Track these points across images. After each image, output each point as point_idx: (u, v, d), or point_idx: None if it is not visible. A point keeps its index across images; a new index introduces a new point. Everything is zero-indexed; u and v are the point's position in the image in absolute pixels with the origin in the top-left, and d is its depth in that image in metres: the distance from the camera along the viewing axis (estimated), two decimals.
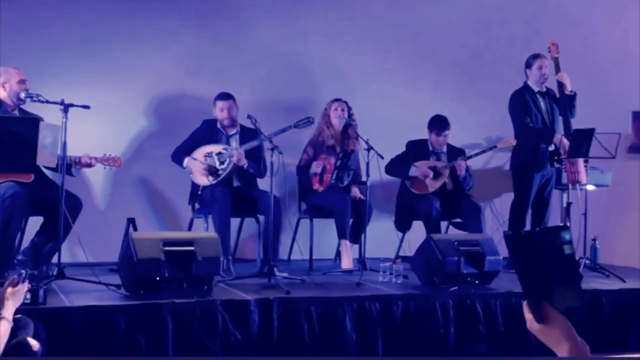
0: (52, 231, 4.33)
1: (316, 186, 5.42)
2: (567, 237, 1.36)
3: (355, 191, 5.44)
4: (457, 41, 6.44)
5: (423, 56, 6.36)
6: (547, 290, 1.36)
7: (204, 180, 5.16)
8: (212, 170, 5.13)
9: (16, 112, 4.57)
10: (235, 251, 5.56)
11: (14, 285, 2.89)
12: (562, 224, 4.90)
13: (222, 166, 5.15)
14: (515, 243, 1.37)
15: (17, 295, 2.89)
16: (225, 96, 5.30)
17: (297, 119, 5.09)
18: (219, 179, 5.15)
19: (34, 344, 2.93)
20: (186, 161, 5.19)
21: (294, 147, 5.52)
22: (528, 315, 1.39)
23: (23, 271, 2.98)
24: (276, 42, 5.96)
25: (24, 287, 2.92)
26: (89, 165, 4.59)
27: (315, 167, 5.43)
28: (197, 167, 5.16)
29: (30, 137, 3.81)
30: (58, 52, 5.37)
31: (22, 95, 4.35)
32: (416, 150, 5.71)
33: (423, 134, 5.73)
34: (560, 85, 5.61)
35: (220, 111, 5.30)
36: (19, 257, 4.44)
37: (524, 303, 1.39)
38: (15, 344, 2.82)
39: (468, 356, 4.19)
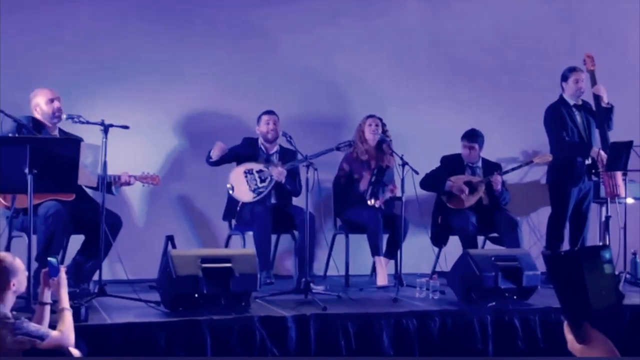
0: (93, 249, 4.42)
1: (371, 202, 5.38)
2: (607, 256, 1.36)
3: (391, 189, 5.39)
4: (490, 55, 6.42)
5: (456, 71, 6.35)
6: (588, 310, 1.35)
7: (246, 196, 5.21)
8: (254, 188, 5.20)
9: (56, 133, 4.68)
10: (272, 267, 5.59)
11: (48, 274, 3.02)
12: (602, 243, 4.84)
13: (263, 184, 5.21)
14: (555, 263, 1.36)
15: (62, 282, 3.02)
16: (271, 111, 5.41)
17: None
18: (260, 196, 5.21)
19: (76, 352, 3.02)
20: (230, 178, 5.24)
21: (329, 164, 5.54)
22: (569, 336, 1.38)
23: (52, 259, 3.08)
24: (308, 60, 6.01)
25: (62, 271, 3.04)
26: (128, 184, 4.69)
27: (364, 186, 5.44)
28: (241, 184, 5.21)
29: (72, 157, 3.89)
30: (96, 74, 5.47)
31: (64, 117, 4.44)
32: (451, 165, 5.69)
33: (457, 149, 5.72)
34: (597, 98, 5.56)
35: (265, 124, 5.37)
36: None
37: (565, 324, 1.39)
38: (58, 353, 2.91)
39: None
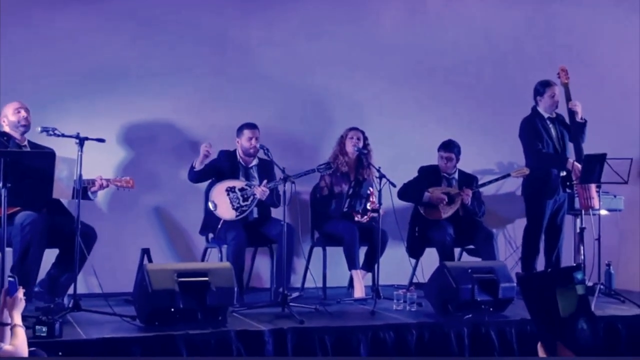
0: (68, 262, 4.36)
1: (357, 218, 5.41)
2: (579, 277, 1.37)
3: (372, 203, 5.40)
4: (468, 69, 6.47)
5: (434, 84, 6.38)
6: (561, 330, 1.36)
7: (228, 214, 5.16)
8: (237, 207, 5.15)
9: (26, 144, 4.64)
10: (249, 280, 5.57)
11: (7, 293, 2.96)
12: (574, 264, 4.87)
13: (246, 202, 5.16)
14: (528, 284, 1.38)
15: (17, 301, 2.96)
16: (254, 125, 5.33)
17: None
18: (243, 215, 5.17)
19: None
20: (212, 195, 5.18)
21: (306, 177, 5.52)
22: (542, 356, 1.39)
23: (11, 278, 3.03)
24: (287, 73, 5.99)
25: (20, 291, 2.99)
26: (102, 187, 4.62)
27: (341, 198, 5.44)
28: (223, 202, 5.16)
29: (46, 171, 3.85)
30: (70, 87, 5.41)
31: (38, 129, 4.39)
32: (428, 175, 5.71)
33: (435, 160, 5.75)
34: (572, 113, 5.62)
35: (247, 140, 5.30)
36: (36, 288, 4.45)
37: (538, 344, 1.40)
38: None
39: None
